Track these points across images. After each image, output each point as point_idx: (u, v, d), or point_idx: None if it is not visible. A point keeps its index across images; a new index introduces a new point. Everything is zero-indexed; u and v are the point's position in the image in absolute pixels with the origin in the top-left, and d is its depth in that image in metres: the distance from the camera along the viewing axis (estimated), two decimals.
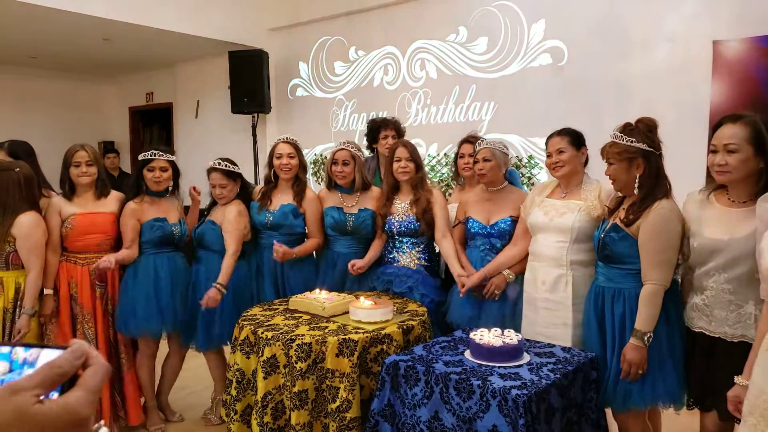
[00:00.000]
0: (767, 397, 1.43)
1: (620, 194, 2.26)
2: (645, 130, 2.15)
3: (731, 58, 3.95)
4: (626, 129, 2.18)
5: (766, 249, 1.53)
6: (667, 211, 2.10)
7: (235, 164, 3.01)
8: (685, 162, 4.23)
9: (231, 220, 2.91)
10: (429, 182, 3.04)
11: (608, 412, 2.26)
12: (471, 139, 3.07)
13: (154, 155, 2.90)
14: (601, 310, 2.26)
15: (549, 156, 2.50)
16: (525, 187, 4.64)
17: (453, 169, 3.29)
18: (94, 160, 2.85)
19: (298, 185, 3.05)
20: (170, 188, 3.03)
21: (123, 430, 3.01)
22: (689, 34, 4.10)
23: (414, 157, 2.88)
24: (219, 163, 2.95)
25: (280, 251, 2.85)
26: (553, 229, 2.41)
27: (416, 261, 2.89)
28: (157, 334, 2.98)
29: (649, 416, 2.31)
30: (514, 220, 2.68)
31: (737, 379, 1.69)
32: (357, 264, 2.87)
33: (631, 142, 2.14)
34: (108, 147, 7.71)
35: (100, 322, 2.87)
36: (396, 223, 2.88)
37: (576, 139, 2.47)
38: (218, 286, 2.80)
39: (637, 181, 2.15)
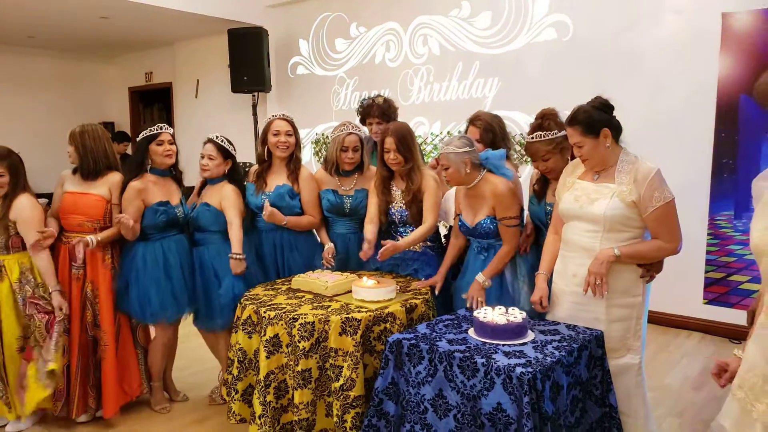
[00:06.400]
0: (758, 372, 1.43)
1: None
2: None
3: (740, 30, 3.87)
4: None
5: (754, 227, 1.51)
6: None
7: (232, 145, 2.97)
8: (694, 133, 4.20)
9: (230, 197, 2.88)
10: (425, 166, 2.87)
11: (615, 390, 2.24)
12: (476, 122, 2.85)
13: (161, 129, 2.88)
14: None
15: (572, 148, 2.28)
16: (528, 165, 4.58)
17: None
18: (71, 140, 2.85)
19: (294, 164, 2.99)
20: (173, 167, 2.99)
21: (129, 410, 3.01)
22: (697, 6, 4.01)
23: (402, 148, 2.73)
24: (216, 137, 2.93)
25: (269, 210, 2.80)
26: (585, 218, 2.18)
27: (420, 244, 2.84)
28: (173, 318, 2.95)
29: None
30: (493, 220, 2.54)
31: (735, 351, 1.66)
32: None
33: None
34: (107, 127, 7.65)
35: (75, 303, 2.81)
36: (396, 213, 2.83)
37: (589, 127, 2.14)
38: (236, 256, 2.79)
39: None
